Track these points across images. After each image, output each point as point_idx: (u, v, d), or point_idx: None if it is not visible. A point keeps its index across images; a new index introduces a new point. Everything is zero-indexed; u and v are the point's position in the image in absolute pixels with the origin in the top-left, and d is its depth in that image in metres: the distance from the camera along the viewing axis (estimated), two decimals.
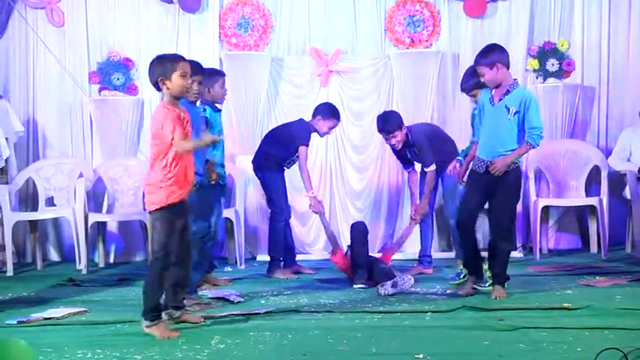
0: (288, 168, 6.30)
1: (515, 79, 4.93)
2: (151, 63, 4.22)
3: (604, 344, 3.48)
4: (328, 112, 6.25)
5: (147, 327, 4.08)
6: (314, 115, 6.26)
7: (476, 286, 5.13)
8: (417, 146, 6.00)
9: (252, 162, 6.37)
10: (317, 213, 6.20)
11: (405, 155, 6.16)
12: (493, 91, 4.92)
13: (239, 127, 7.41)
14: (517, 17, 7.50)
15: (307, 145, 6.13)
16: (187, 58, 4.38)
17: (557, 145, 7.32)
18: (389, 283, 5.14)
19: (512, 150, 4.84)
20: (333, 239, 6.08)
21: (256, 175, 6.36)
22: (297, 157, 6.14)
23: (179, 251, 4.21)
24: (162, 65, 4.16)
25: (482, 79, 4.90)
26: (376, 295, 5.11)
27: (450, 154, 5.86)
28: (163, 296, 4.26)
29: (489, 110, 4.92)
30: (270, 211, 6.27)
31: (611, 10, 7.51)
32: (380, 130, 6.02)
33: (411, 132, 6.03)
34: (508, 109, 4.83)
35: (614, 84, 7.53)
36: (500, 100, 4.86)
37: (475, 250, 5.10)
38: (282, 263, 6.22)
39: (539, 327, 3.98)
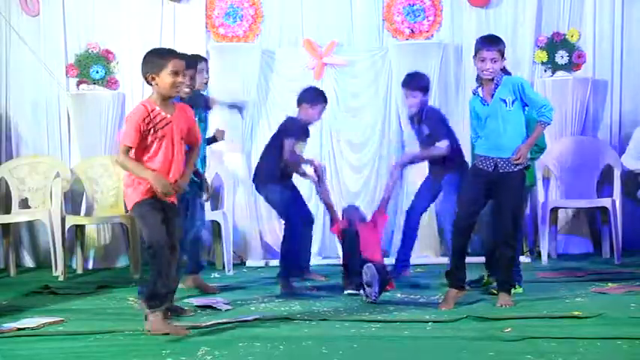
0: (291, 173, 6.20)
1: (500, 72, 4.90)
2: (144, 56, 4.26)
3: (617, 355, 3.49)
4: (313, 96, 6.15)
5: (150, 312, 4.23)
6: (299, 104, 6.15)
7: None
8: (429, 118, 5.99)
9: (252, 181, 6.30)
10: (314, 182, 6.17)
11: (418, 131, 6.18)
12: (480, 92, 4.92)
13: (227, 123, 7.37)
14: (524, 6, 7.51)
15: (293, 138, 5.99)
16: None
17: (566, 143, 7.33)
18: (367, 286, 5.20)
19: (526, 139, 4.86)
20: (332, 210, 6.07)
21: (259, 193, 6.29)
22: None
23: None
24: (152, 60, 4.19)
25: (487, 67, 4.84)
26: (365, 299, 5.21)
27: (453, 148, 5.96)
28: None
29: (484, 112, 4.90)
30: (283, 223, 6.19)
31: None
32: (403, 84, 6.13)
33: (426, 108, 6.07)
34: (505, 102, 4.84)
35: (628, 77, 7.53)
36: (493, 96, 4.87)
37: (463, 259, 5.03)
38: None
39: (547, 337, 3.98)
